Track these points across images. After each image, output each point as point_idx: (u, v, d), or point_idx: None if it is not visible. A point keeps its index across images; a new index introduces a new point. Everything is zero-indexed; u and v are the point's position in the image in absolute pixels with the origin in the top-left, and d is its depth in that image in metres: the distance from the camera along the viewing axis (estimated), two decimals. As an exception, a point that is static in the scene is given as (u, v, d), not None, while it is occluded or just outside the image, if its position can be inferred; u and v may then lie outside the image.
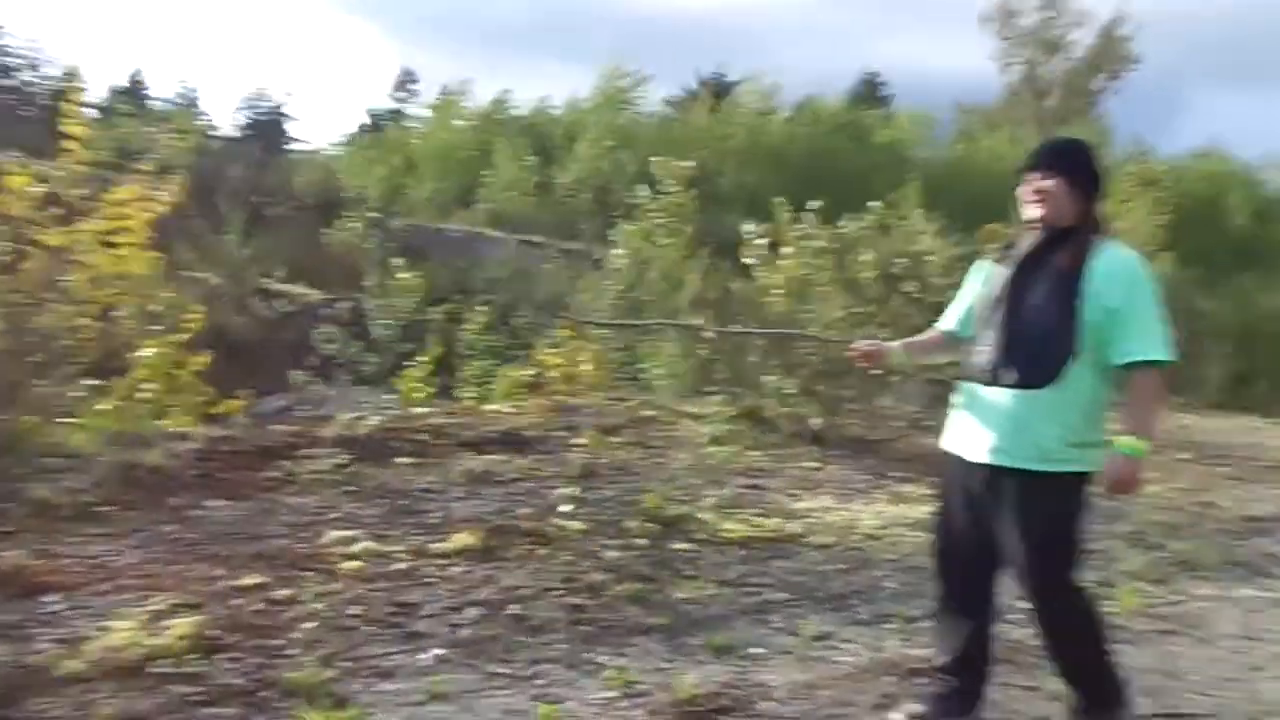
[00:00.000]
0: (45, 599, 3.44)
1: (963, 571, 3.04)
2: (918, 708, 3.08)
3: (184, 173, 13.05)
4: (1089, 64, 37.35)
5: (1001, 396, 2.85)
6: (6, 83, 32.62)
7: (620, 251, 10.93)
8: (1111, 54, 37.38)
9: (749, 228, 8.30)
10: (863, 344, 3.31)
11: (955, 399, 3.04)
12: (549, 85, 75.68)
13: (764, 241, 8.03)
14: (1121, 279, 2.77)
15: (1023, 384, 2.81)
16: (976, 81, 51.21)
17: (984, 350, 2.93)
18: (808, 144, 28.70)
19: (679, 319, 8.21)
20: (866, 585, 4.34)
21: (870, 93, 38.68)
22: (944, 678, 3.12)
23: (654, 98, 32.39)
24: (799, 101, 32.86)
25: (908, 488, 5.88)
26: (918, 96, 40.12)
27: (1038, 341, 2.81)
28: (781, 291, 7.75)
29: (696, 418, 6.99)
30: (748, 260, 8.16)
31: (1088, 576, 4.42)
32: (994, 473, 2.86)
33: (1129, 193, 19.46)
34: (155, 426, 5.74)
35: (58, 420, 5.47)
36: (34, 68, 32.43)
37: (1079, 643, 2.95)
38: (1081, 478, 2.81)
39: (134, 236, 6.22)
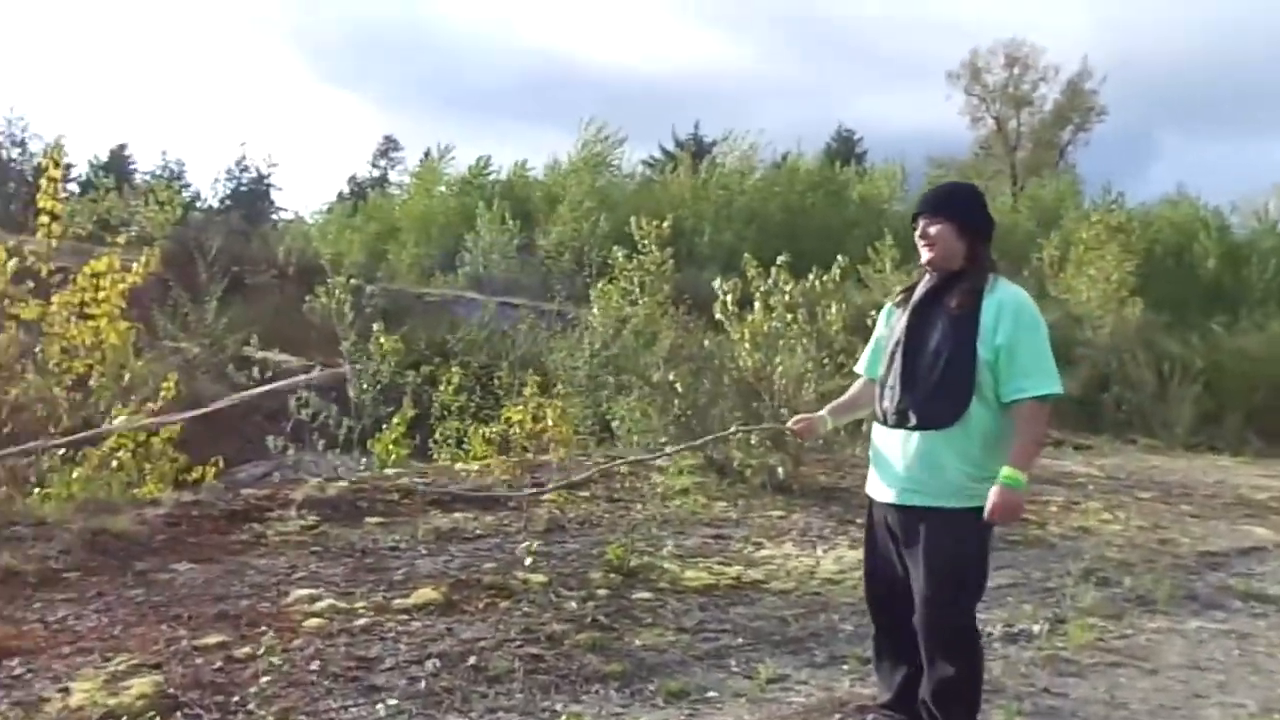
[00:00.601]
0: (7, 663, 3.49)
1: (893, 612, 3.13)
2: None
3: (163, 243, 13.24)
4: (1056, 117, 38.31)
5: (912, 437, 2.95)
6: (-9, 161, 32.96)
7: (597, 311, 11.14)
8: (1078, 106, 38.38)
9: (719, 284, 8.48)
10: (793, 423, 3.51)
11: (871, 442, 3.16)
12: (528, 148, 77.00)
13: (733, 297, 8.22)
14: (1009, 316, 2.89)
15: (925, 425, 2.92)
16: (947, 137, 52.31)
17: (890, 392, 3.04)
18: (784, 201, 29.21)
19: (652, 375, 8.37)
20: (823, 628, 4.42)
21: (845, 149, 39.44)
22: (887, 714, 3.22)
23: (632, 159, 32.99)
24: (775, 160, 33.55)
25: (869, 533, 5.97)
26: (890, 152, 40.84)
27: (936, 383, 2.92)
28: (748, 346, 7.93)
29: (663, 470, 7.08)
30: (719, 316, 8.34)
31: (1040, 613, 4.56)
32: (907, 512, 2.97)
33: (1098, 241, 19.88)
34: (127, 494, 5.82)
35: (27, 489, 5.56)
36: (20, 144, 32.87)
37: (961, 683, 2.97)
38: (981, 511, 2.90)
39: (109, 307, 6.37)
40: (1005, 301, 2.92)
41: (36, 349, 6.09)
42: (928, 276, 3.09)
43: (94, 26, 67.87)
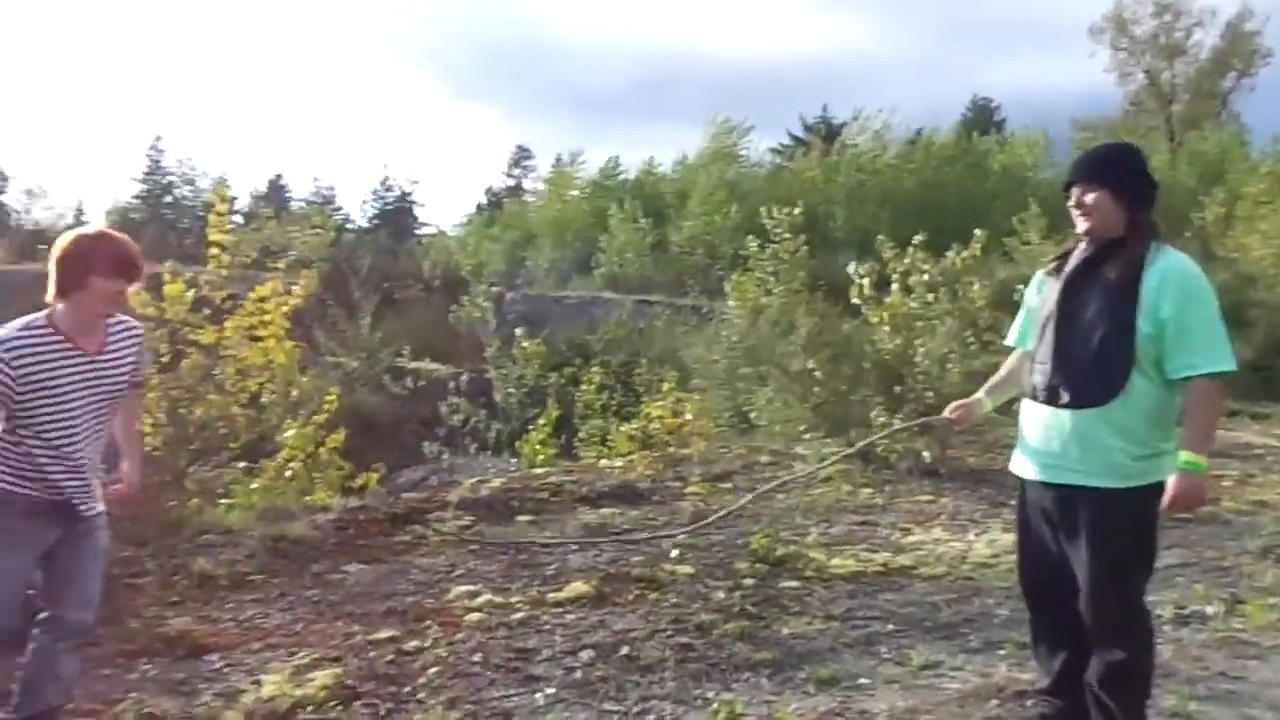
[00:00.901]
0: (207, 658, 3.84)
1: (1050, 596, 3.01)
2: None
3: (320, 265, 14.06)
4: (1215, 64, 35.71)
5: (1065, 414, 2.81)
6: (167, 199, 35.71)
7: (733, 303, 11.14)
8: (1240, 50, 35.67)
9: (854, 268, 8.34)
10: (949, 411, 3.31)
11: (1020, 419, 3.03)
12: (656, 146, 77.56)
13: (870, 280, 8.07)
14: (1175, 288, 2.70)
15: (1082, 402, 2.77)
16: (1092, 96, 49.41)
17: (1041, 368, 2.90)
18: (920, 177, 28.38)
19: (790, 364, 8.32)
20: (978, 613, 4.33)
21: (983, 120, 37.98)
22: (1047, 700, 3.12)
23: (759, 148, 32.77)
24: (910, 137, 32.64)
25: (1024, 515, 5.79)
26: (1032, 118, 39.06)
27: (1094, 357, 2.76)
28: (887, 329, 7.79)
29: (806, 459, 7.05)
30: (855, 301, 8.21)
31: (1214, 594, 4.32)
32: (1067, 493, 2.83)
33: (1270, 193, 18.45)
34: (301, 501, 6.25)
35: (215, 500, 6.04)
36: (190, 182, 35.53)
37: (1130, 667, 2.83)
38: (1155, 490, 2.74)
39: (275, 329, 6.84)
40: (1169, 272, 2.74)
41: (215, 371, 6.61)
42: (1083, 244, 2.90)
43: (249, 67, 72.51)
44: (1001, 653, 3.89)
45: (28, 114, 69.86)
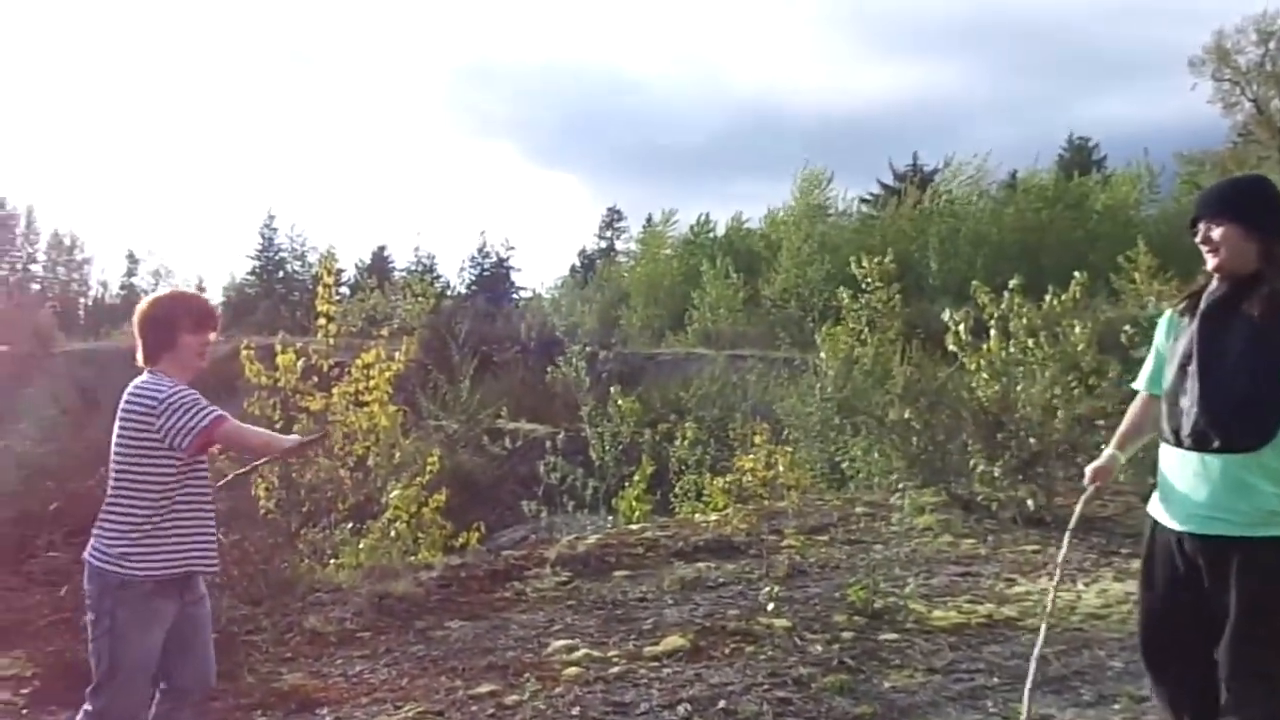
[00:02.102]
0: (319, 711, 3.98)
1: (1171, 655, 2.82)
2: None
3: (421, 332, 14.58)
4: (1328, 89, 34.21)
5: (1211, 460, 2.65)
6: (279, 274, 37.52)
7: (824, 354, 11.09)
8: (1355, 74, 34.09)
9: (948, 315, 8.23)
10: (1089, 478, 3.12)
11: (1161, 461, 2.83)
12: (747, 201, 77.97)
13: (966, 326, 7.94)
14: None
15: (1231, 447, 2.62)
16: (1194, 129, 47.77)
17: (1185, 411, 2.73)
18: (1018, 221, 27.84)
19: (886, 414, 8.23)
20: (1089, 665, 4.18)
21: (1080, 159, 37.07)
22: None
23: (847, 197, 32.67)
24: (1006, 180, 32.12)
25: (1135, 563, 5.55)
26: (1132, 154, 37.95)
27: (1244, 400, 2.62)
28: (986, 376, 7.64)
29: (904, 511, 6.93)
30: (952, 348, 8.09)
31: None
32: (1210, 543, 2.66)
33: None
34: (405, 560, 6.44)
35: (325, 560, 6.28)
36: (300, 257, 37.30)
37: None
38: None
39: (379, 394, 7.12)
40: None
41: (311, 437, 6.92)
42: (1215, 282, 2.77)
43: (353, 144, 76.23)
44: (1116, 706, 3.75)
45: (151, 196, 74.77)
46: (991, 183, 31.08)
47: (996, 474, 6.58)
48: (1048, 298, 8.07)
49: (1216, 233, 2.71)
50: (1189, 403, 2.71)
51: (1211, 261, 2.74)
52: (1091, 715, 3.70)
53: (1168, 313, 2.97)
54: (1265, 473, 2.58)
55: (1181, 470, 2.74)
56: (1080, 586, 5.23)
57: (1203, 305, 2.77)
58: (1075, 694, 3.91)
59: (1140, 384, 3.06)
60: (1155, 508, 2.85)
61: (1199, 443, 2.67)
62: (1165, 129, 51.67)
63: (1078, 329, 7.81)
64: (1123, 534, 6.27)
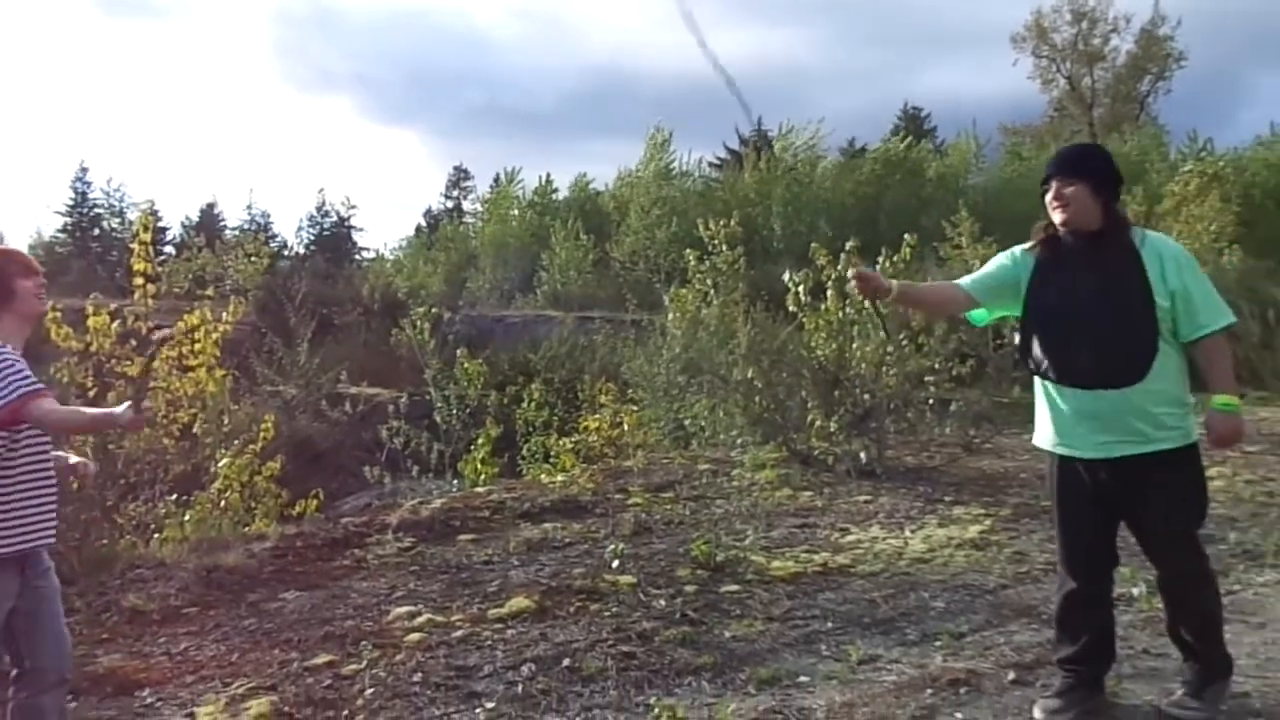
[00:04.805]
0: (138, 694, 3.75)
1: (1091, 566, 3.21)
2: (1054, 703, 3.21)
3: (255, 293, 13.86)
4: (1132, 69, 36.94)
5: (1112, 394, 3.02)
6: (94, 231, 34.83)
7: (672, 316, 11.21)
8: (1154, 55, 36.93)
9: (788, 276, 8.44)
10: (851, 272, 3.47)
11: (1047, 401, 3.18)
12: (595, 163, 77.68)
13: (805, 288, 8.17)
14: (1173, 263, 3.02)
15: (1120, 381, 2.99)
16: (1019, 102, 50.68)
17: (1071, 355, 3.08)
18: (854, 187, 28.83)
19: (730, 373, 8.40)
20: (914, 607, 4.41)
21: (914, 128, 38.66)
22: (1072, 668, 3.27)
23: (695, 161, 33.01)
24: (842, 147, 33.18)
25: (958, 510, 5.92)
26: (962, 125, 39.96)
27: (1127, 336, 3.01)
28: (824, 335, 7.90)
29: (745, 466, 7.11)
30: (792, 308, 8.31)
31: (1138, 575, 4.43)
32: (1130, 464, 3.02)
33: (1193, 191, 19.09)
34: (237, 531, 6.14)
35: (148, 535, 5.91)
36: (119, 214, 34.72)
37: (1204, 608, 3.14)
38: (1198, 444, 3.07)
39: (205, 358, 6.72)
40: (1162, 248, 3.07)
41: (146, 403, 6.48)
42: (1065, 237, 3.14)
43: (179, 95, 71.25)
44: (938, 643, 3.96)
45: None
46: (828, 149, 32.02)
47: (833, 429, 6.84)
48: (880, 259, 8.41)
49: (1069, 190, 3.09)
50: (1073, 347, 3.09)
51: (1059, 216, 3.13)
52: (915, 653, 3.90)
53: (1015, 250, 3.31)
54: (1149, 397, 3.01)
55: (1076, 407, 3.11)
56: (907, 533, 5.51)
57: (1062, 256, 3.15)
58: (901, 634, 4.13)
59: (965, 280, 3.40)
60: (1052, 442, 3.21)
61: (1094, 381, 3.06)
62: (991, 101, 54.68)
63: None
64: (946, 483, 6.66)
